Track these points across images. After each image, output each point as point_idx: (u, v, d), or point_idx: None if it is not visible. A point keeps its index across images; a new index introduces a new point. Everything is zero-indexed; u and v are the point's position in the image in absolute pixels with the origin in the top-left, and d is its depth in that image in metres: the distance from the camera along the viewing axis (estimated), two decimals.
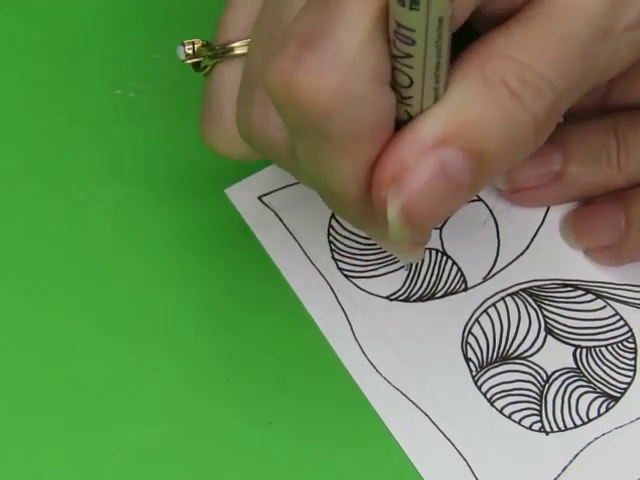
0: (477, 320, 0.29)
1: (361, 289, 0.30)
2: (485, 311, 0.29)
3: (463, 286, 0.30)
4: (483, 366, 0.28)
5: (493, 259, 0.30)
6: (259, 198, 0.31)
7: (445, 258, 0.30)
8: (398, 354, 0.29)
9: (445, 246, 0.30)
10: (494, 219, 0.31)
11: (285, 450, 0.27)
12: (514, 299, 0.29)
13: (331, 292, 0.30)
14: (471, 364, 0.29)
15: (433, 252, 0.30)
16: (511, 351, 0.29)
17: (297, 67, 0.19)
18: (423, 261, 0.30)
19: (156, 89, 0.33)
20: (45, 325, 0.29)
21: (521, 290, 0.30)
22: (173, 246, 0.31)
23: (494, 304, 0.29)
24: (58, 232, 0.31)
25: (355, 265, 0.30)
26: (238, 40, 0.25)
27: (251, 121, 0.22)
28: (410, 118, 0.20)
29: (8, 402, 0.28)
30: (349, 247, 0.31)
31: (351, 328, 0.29)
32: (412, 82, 0.19)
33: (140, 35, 0.34)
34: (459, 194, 0.20)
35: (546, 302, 0.29)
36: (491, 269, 0.30)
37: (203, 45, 0.26)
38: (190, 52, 0.26)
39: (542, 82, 0.19)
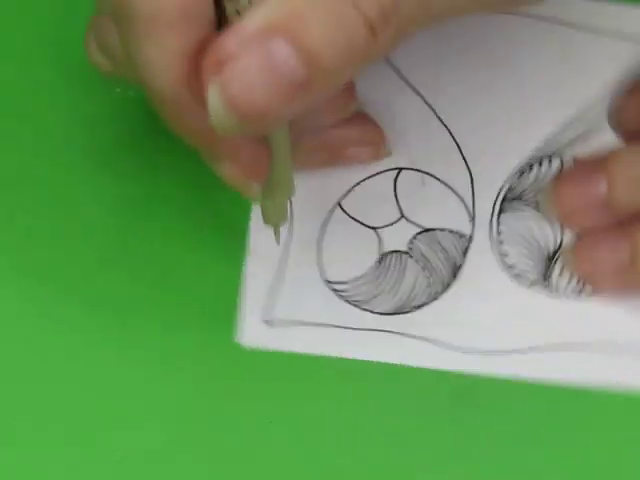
0: None
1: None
2: None
3: None
4: None
5: None
6: None
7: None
8: None
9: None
10: None
11: (285, 450, 0.27)
12: None
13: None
14: None
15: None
16: None
17: None
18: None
19: None
20: (45, 325, 0.29)
21: None
22: (175, 245, 0.30)
23: None
24: (58, 232, 0.30)
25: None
26: None
27: (96, 22, 0.23)
28: None
29: (8, 402, 0.28)
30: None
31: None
32: None
33: None
34: (294, 91, 0.20)
35: None
36: None
37: None
38: None
39: None
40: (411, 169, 0.31)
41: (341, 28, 0.20)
